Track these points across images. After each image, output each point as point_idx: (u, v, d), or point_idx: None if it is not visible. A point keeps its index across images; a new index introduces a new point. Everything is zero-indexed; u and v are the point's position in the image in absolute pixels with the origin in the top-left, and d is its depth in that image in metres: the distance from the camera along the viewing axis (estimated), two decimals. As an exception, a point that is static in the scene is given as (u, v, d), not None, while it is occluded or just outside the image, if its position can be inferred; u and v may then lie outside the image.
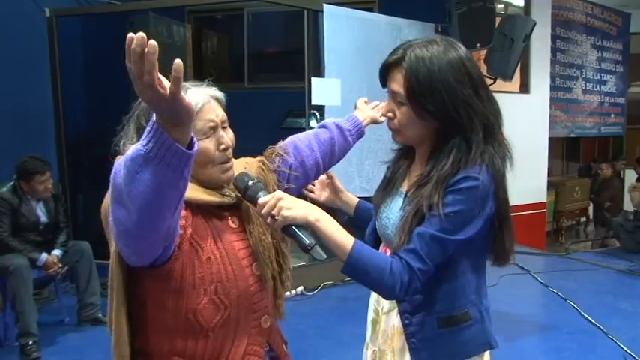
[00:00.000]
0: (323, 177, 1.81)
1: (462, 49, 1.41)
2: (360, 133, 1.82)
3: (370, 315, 1.67)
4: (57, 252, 4.18)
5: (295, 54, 5.62)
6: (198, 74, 6.28)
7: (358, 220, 1.80)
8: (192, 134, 1.06)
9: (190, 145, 1.05)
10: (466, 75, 1.37)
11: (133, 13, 5.03)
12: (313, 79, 4.97)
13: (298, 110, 5.78)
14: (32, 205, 4.12)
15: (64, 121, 5.22)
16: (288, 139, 1.67)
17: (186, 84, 1.34)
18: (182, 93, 0.98)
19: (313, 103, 5.00)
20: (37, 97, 5.09)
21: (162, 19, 5.02)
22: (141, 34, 0.91)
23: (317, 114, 5.21)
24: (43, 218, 4.19)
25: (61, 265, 4.16)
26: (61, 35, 5.16)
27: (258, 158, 1.58)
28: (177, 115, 1.00)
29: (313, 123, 5.19)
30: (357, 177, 4.97)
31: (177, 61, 0.94)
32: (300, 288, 5.00)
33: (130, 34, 0.92)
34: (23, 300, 3.78)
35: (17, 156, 4.13)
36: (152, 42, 0.92)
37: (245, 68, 6.75)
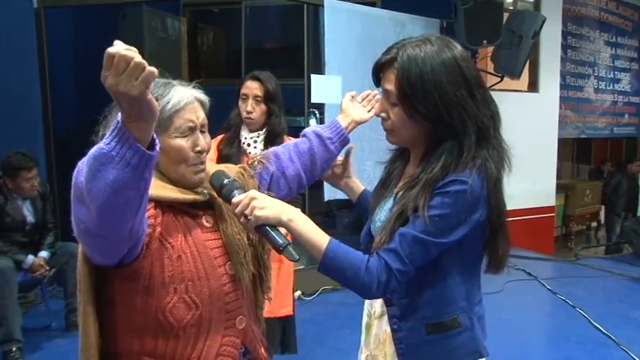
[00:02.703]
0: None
1: (457, 49, 1.39)
2: (342, 140, 1.72)
3: (364, 319, 1.66)
4: (44, 254, 4.06)
5: (294, 50, 5.57)
6: (194, 70, 6.18)
7: (358, 208, 1.78)
8: (154, 136, 1.08)
9: (152, 147, 1.08)
10: (460, 76, 1.35)
11: (126, 6, 4.93)
12: (313, 76, 4.89)
13: (297, 108, 5.70)
14: (18, 203, 4.01)
15: (52, 117, 5.09)
16: (271, 149, 1.68)
17: (174, 82, 1.37)
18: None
19: (313, 100, 4.91)
20: (24, 91, 4.95)
21: (157, 12, 4.92)
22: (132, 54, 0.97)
23: (317, 112, 5.13)
24: (30, 218, 4.08)
25: (48, 268, 4.04)
26: (50, 27, 5.03)
27: (240, 165, 1.60)
28: (138, 107, 1.01)
29: (312, 122, 5.10)
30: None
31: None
32: (298, 293, 4.87)
33: (114, 52, 0.96)
34: (7, 304, 3.65)
35: (3, 152, 4.01)
36: (152, 69, 0.99)
37: (242, 64, 6.64)
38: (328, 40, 4.90)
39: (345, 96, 1.79)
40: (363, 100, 1.78)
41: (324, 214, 6.64)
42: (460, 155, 1.34)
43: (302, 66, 5.08)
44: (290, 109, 6.35)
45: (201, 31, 6.66)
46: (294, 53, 5.59)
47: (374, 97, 1.77)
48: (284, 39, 7.05)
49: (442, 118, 1.34)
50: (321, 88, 4.85)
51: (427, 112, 1.34)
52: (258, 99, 2.61)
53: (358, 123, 1.75)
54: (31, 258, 3.96)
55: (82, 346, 1.28)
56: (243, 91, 2.63)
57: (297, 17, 5.43)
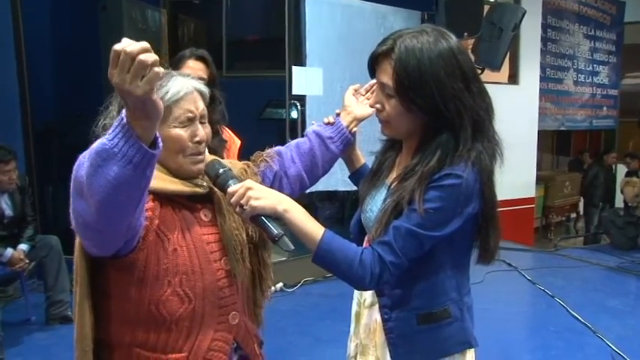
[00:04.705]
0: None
1: (453, 40, 1.37)
2: (344, 140, 1.68)
3: (354, 308, 1.66)
4: (23, 247, 4.02)
5: (275, 42, 5.53)
6: (174, 62, 6.12)
7: (353, 180, 1.77)
8: (157, 134, 1.07)
9: (154, 145, 1.07)
10: (457, 68, 1.34)
11: (105, -4, 4.83)
12: (294, 68, 4.87)
13: (278, 100, 5.69)
14: (-4, 197, 3.97)
15: (31, 109, 4.98)
16: (274, 148, 1.67)
17: (173, 72, 1.37)
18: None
19: (294, 92, 4.90)
20: (0, 82, 4.81)
21: (137, 4, 4.85)
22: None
23: (298, 104, 5.11)
24: (8, 211, 4.04)
25: (27, 261, 4.00)
26: (27, 16, 4.90)
27: (244, 162, 1.60)
28: (142, 106, 1.01)
29: (294, 114, 5.07)
30: (339, 170, 4.92)
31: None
32: (280, 284, 4.89)
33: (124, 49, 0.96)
34: (-15, 298, 3.63)
35: (-21, 146, 3.92)
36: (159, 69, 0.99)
37: (223, 56, 6.59)
38: (309, 32, 4.89)
39: (348, 90, 1.73)
40: (367, 92, 1.70)
41: (304, 206, 6.63)
42: (456, 148, 1.34)
43: (283, 58, 5.06)
44: (271, 101, 6.35)
45: (182, 23, 6.58)
46: (275, 45, 5.56)
47: None
48: (265, 31, 7.02)
49: (439, 110, 1.33)
50: (302, 80, 4.84)
51: (424, 104, 1.33)
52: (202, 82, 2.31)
53: (361, 119, 1.69)
54: (9, 251, 3.91)
55: (77, 336, 1.29)
56: (186, 71, 2.22)
57: (278, 9, 5.40)
